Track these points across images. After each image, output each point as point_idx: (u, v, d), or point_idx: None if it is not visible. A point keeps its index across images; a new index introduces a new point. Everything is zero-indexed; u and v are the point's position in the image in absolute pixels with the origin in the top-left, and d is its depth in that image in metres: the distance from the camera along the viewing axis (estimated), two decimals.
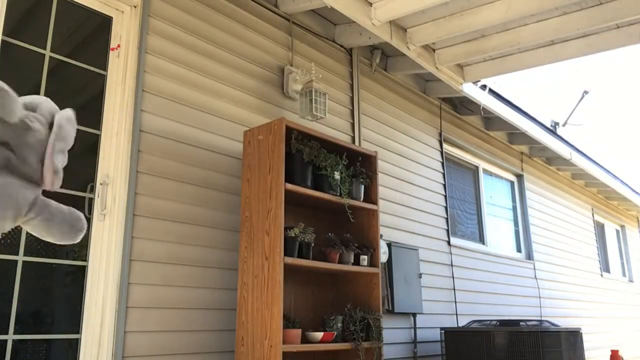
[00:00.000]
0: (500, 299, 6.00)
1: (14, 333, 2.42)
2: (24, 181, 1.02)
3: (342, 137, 4.28)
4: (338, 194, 3.29)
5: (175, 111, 3.13)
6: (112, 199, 2.80)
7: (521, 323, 4.51)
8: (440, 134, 5.57)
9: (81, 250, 2.70)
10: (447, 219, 5.39)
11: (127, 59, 2.98)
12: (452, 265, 5.31)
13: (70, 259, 2.66)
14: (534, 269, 6.84)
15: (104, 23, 2.99)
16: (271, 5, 3.89)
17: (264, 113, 3.65)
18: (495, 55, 4.73)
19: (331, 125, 4.19)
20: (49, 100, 1.25)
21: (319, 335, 3.06)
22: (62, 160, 1.13)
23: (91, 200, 2.76)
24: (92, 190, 2.77)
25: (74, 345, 2.60)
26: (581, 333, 4.62)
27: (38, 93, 2.66)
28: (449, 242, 5.34)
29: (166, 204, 2.98)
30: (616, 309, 9.15)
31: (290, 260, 2.91)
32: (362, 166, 3.57)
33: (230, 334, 3.14)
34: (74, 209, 1.25)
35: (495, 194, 6.62)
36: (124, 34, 3.01)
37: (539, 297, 6.74)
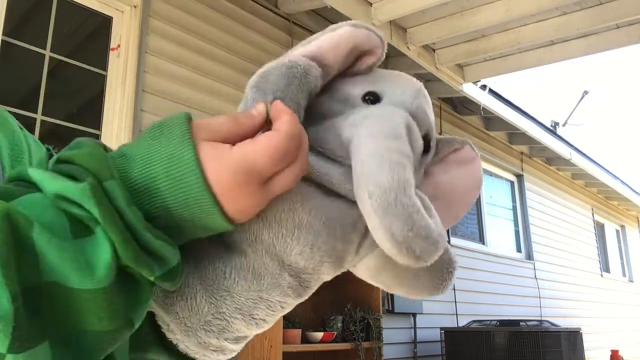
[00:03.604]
0: (500, 299, 6.00)
1: None
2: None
3: None
4: None
5: (175, 111, 3.12)
6: None
7: (521, 323, 4.52)
8: (440, 134, 5.56)
9: None
10: None
11: (127, 59, 2.98)
12: None
13: None
14: (534, 269, 6.84)
15: (104, 23, 2.99)
16: (271, 5, 3.89)
17: None
18: (495, 55, 4.73)
19: None
20: None
21: (319, 335, 3.06)
22: None
23: None
24: None
25: None
26: (581, 333, 4.62)
27: (38, 93, 2.66)
28: (448, 242, 5.33)
29: None
30: (616, 309, 9.15)
31: None
32: None
33: None
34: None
35: (495, 194, 6.62)
36: (124, 34, 3.01)
37: (539, 297, 6.74)
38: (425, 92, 0.54)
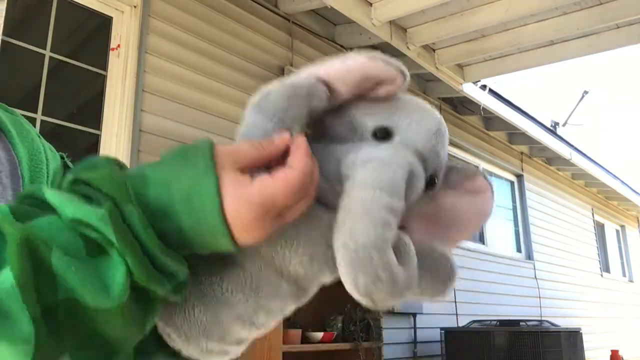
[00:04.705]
0: (501, 299, 6.00)
1: None
2: None
3: None
4: None
5: (175, 111, 3.13)
6: None
7: (521, 323, 4.52)
8: None
9: None
10: None
11: (127, 59, 2.98)
12: None
13: None
14: (534, 269, 6.84)
15: (104, 23, 2.98)
16: (271, 5, 3.89)
17: None
18: (495, 55, 4.73)
19: None
20: None
21: (319, 335, 3.06)
22: None
23: None
24: None
25: None
26: (581, 333, 4.62)
27: (38, 93, 2.66)
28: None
29: None
30: (616, 309, 9.15)
31: None
32: None
33: None
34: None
35: (495, 194, 6.61)
36: (124, 34, 3.01)
37: (539, 297, 6.74)
38: (444, 129, 0.51)
